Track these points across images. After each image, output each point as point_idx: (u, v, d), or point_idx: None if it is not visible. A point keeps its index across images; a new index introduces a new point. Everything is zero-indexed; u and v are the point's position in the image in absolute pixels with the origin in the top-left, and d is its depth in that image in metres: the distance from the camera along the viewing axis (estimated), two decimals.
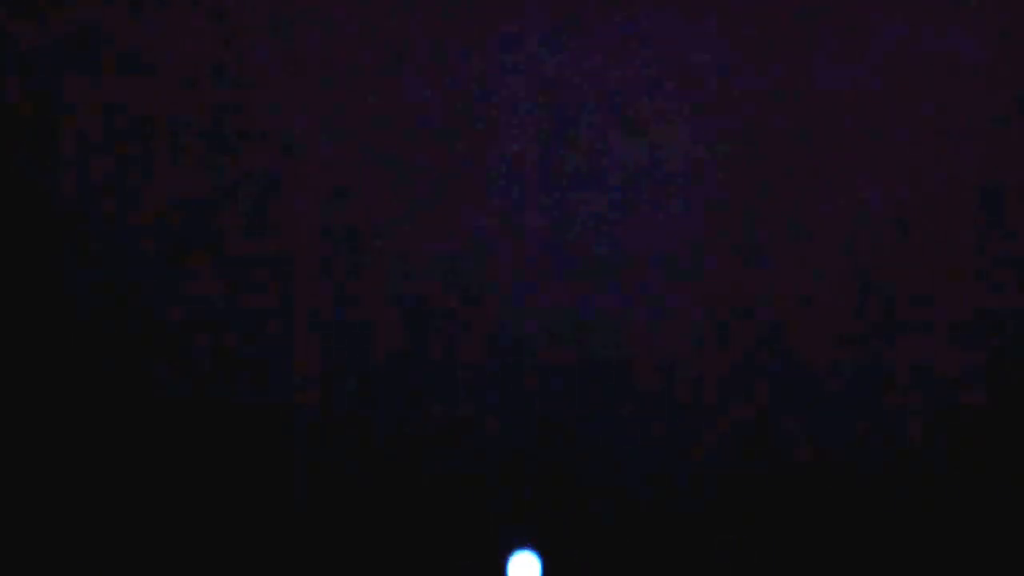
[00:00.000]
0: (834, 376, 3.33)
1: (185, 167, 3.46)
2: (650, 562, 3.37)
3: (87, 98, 3.47)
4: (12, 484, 3.47)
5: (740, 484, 3.35)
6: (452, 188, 3.42)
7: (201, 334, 3.45)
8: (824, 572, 3.33)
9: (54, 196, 3.46)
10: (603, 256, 3.39)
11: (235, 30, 3.47)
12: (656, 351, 3.37)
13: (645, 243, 3.38)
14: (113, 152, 3.46)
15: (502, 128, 3.42)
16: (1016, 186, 3.32)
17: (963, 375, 3.30)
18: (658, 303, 3.38)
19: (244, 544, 3.45)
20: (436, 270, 3.42)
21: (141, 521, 3.46)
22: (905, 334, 3.32)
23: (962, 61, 3.32)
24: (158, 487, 3.47)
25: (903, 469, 3.32)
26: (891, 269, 3.33)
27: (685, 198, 3.37)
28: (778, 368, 3.34)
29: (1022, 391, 3.29)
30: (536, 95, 3.41)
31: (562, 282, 3.40)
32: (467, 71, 3.43)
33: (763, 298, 3.35)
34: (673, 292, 3.37)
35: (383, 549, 3.43)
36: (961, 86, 3.33)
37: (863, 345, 3.33)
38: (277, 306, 3.45)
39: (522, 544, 3.39)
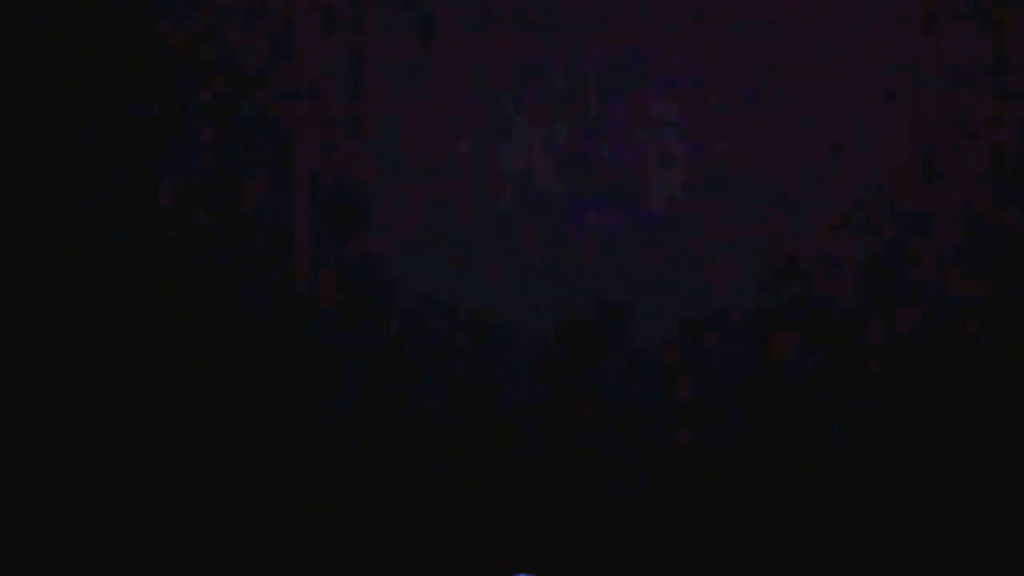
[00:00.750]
0: (834, 375, 3.32)
1: (182, 166, 3.49)
2: (650, 562, 3.37)
3: (89, 98, 3.50)
4: (11, 482, 3.50)
5: (740, 484, 3.35)
6: (452, 188, 3.44)
7: (201, 331, 3.48)
8: (825, 571, 3.32)
9: (54, 194, 3.50)
10: (603, 255, 3.39)
11: (234, 28, 3.49)
12: (657, 351, 3.37)
13: (645, 243, 3.38)
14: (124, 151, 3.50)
15: (502, 128, 3.43)
16: (1017, 188, 3.30)
17: (964, 374, 3.29)
18: (659, 302, 3.38)
19: (244, 544, 3.47)
20: (438, 270, 3.44)
21: (140, 520, 3.49)
22: (906, 333, 3.31)
23: (963, 62, 3.31)
24: (157, 487, 3.49)
25: (903, 468, 3.31)
26: (891, 268, 3.32)
27: (685, 197, 3.37)
28: (779, 366, 3.34)
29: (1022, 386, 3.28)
30: (537, 95, 3.42)
31: (562, 282, 3.41)
32: (467, 70, 3.44)
33: (763, 298, 3.34)
34: (673, 291, 3.37)
35: (382, 551, 3.45)
36: (963, 86, 3.31)
37: (863, 343, 3.32)
38: (277, 305, 3.47)
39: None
